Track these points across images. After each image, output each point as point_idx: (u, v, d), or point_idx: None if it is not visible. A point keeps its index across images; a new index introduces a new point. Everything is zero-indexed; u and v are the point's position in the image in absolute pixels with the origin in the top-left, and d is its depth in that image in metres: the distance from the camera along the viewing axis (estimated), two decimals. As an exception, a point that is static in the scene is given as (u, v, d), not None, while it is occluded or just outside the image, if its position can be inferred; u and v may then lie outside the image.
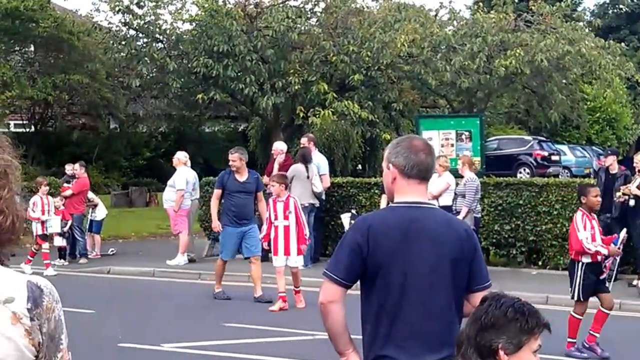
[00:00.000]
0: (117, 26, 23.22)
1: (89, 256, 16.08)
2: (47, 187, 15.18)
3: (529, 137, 29.51)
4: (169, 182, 15.55)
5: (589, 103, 32.91)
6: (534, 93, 25.27)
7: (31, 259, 14.36)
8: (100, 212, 16.67)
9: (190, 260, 15.25)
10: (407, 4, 24.36)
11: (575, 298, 8.63)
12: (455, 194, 12.87)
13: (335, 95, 20.70)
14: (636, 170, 12.41)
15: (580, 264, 8.55)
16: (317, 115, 20.21)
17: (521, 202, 14.13)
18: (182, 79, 21.82)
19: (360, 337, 3.62)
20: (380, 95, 22.50)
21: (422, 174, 3.59)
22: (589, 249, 8.44)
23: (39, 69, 26.89)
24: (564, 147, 30.64)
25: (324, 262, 11.77)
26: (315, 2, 22.74)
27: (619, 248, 8.79)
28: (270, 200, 11.07)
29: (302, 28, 21.90)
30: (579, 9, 43.34)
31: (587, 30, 25.78)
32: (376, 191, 14.79)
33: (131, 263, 15.32)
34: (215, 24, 20.88)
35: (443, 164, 12.82)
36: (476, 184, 12.81)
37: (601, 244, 8.57)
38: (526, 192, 14.17)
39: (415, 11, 23.77)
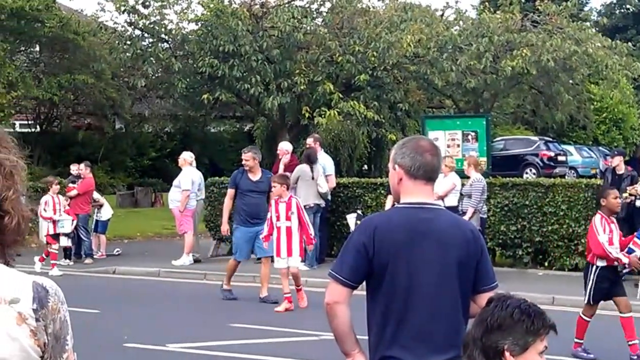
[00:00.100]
0: (122, 26, 23.26)
1: (95, 256, 16.12)
2: (58, 187, 15.32)
3: (536, 138, 29.42)
4: (175, 183, 15.55)
5: (595, 103, 32.81)
6: (541, 93, 25.24)
7: (45, 257, 14.67)
8: (106, 213, 16.72)
9: (196, 261, 15.26)
10: (413, 4, 24.35)
11: (586, 301, 8.56)
12: (461, 194, 12.85)
13: (341, 95, 20.67)
14: (643, 170, 12.39)
15: (595, 267, 8.43)
16: (323, 116, 20.19)
17: (527, 202, 14.10)
18: (188, 79, 21.83)
19: (366, 337, 3.61)
20: (386, 95, 22.47)
21: (428, 174, 3.58)
22: (610, 253, 8.28)
23: (45, 69, 26.93)
24: (571, 148, 30.54)
25: (329, 263, 11.74)
26: (321, 2, 22.75)
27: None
28: (273, 201, 11.04)
29: (308, 28, 21.88)
30: (586, 8, 43.20)
31: (593, 30, 25.71)
32: (382, 192, 14.78)
33: (136, 263, 15.35)
34: (221, 24, 20.88)
35: (449, 165, 12.81)
36: (482, 184, 12.80)
37: (622, 252, 8.37)
38: (532, 192, 14.14)
39: (422, 11, 23.77)
